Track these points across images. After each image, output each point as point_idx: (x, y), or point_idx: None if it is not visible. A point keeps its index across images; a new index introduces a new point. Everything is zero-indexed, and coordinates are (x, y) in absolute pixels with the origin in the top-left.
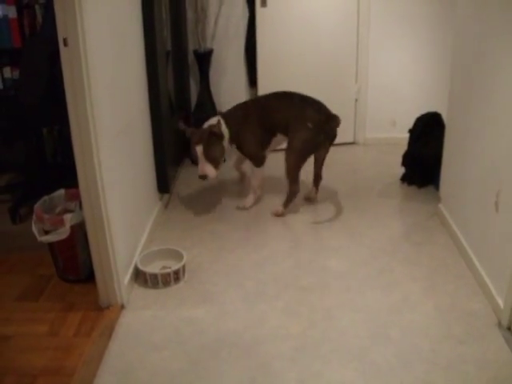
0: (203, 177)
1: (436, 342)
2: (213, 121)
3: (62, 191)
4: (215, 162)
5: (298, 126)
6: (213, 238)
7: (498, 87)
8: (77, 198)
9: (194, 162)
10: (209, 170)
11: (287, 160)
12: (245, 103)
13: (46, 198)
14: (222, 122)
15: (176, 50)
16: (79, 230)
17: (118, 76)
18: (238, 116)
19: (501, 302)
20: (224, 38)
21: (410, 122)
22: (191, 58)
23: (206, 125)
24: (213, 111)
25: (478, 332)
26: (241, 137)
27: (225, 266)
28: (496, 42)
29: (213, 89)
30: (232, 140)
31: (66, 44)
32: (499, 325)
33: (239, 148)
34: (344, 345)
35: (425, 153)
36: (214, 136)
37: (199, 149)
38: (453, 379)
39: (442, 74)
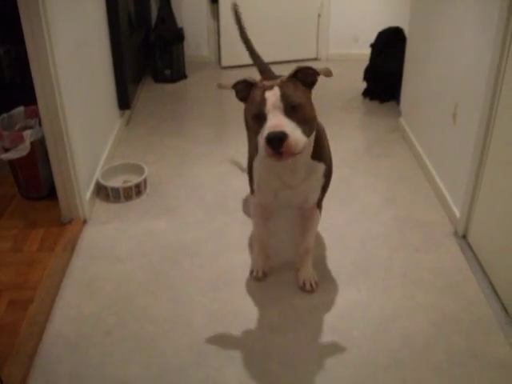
0: (277, 136)
1: (393, 251)
2: None
3: (21, 108)
4: (303, 121)
5: None
6: (174, 153)
7: (457, 3)
8: (36, 114)
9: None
10: (288, 125)
11: None
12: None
13: (4, 115)
14: None
15: None
16: (40, 146)
17: None
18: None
19: (457, 212)
20: None
21: (372, 38)
22: None
23: None
24: (174, 27)
25: (434, 241)
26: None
27: (186, 180)
28: None
29: (174, 4)
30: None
31: None
32: (455, 234)
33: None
34: None
35: (386, 67)
36: (303, 78)
37: (272, 95)
38: (409, 284)
39: None
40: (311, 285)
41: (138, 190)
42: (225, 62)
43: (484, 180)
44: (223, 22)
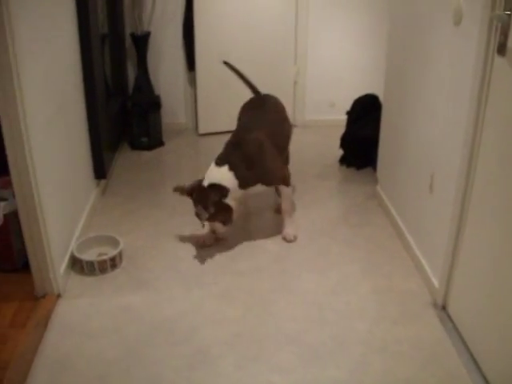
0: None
1: (372, 324)
2: (215, 178)
3: None
4: (224, 222)
5: (284, 118)
6: (150, 223)
7: (432, 71)
8: (10, 185)
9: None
10: (217, 226)
11: (288, 151)
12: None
13: None
14: (230, 174)
15: (113, 33)
16: (13, 218)
17: (49, 59)
18: (247, 154)
19: (436, 282)
20: (161, 20)
21: (348, 104)
22: (128, 41)
23: (206, 174)
24: (151, 95)
25: (413, 312)
26: (261, 169)
27: (161, 252)
28: (428, 29)
29: (151, 72)
30: (247, 183)
31: None
32: (434, 304)
33: (264, 182)
34: (280, 328)
35: (362, 134)
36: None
37: (197, 209)
38: (388, 360)
39: (380, 56)
40: (291, 238)
41: (112, 262)
42: (202, 130)
43: (462, 250)
44: (200, 89)
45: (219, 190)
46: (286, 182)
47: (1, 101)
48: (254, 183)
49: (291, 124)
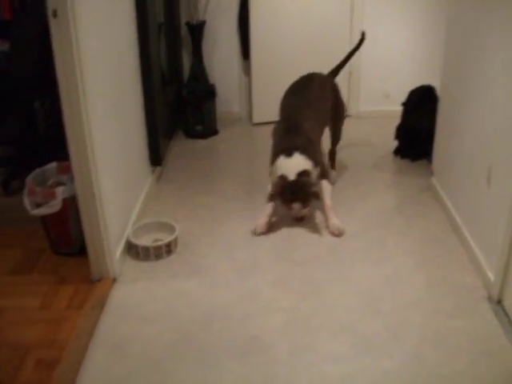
0: (301, 219)
1: (426, 316)
2: (295, 168)
3: (54, 164)
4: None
5: (336, 94)
6: (205, 210)
7: (491, 61)
8: (69, 170)
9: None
10: (304, 212)
11: (340, 127)
12: (297, 120)
13: (38, 170)
14: (303, 157)
15: (168, 22)
16: (71, 203)
17: (108, 48)
18: (310, 139)
19: (491, 276)
20: (216, 9)
21: (403, 95)
22: (184, 30)
23: (282, 169)
24: (206, 84)
25: (468, 306)
26: (319, 155)
27: (217, 239)
28: (489, 16)
29: (206, 61)
30: (316, 162)
31: (55, 15)
32: (489, 298)
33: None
34: (334, 318)
35: (418, 126)
36: (312, 192)
37: (297, 206)
38: (442, 352)
39: (436, 47)
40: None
41: (168, 248)
42: (256, 119)
43: None
44: (255, 78)
45: (308, 176)
46: (326, 174)
47: (63, 89)
48: (319, 162)
49: (341, 103)
